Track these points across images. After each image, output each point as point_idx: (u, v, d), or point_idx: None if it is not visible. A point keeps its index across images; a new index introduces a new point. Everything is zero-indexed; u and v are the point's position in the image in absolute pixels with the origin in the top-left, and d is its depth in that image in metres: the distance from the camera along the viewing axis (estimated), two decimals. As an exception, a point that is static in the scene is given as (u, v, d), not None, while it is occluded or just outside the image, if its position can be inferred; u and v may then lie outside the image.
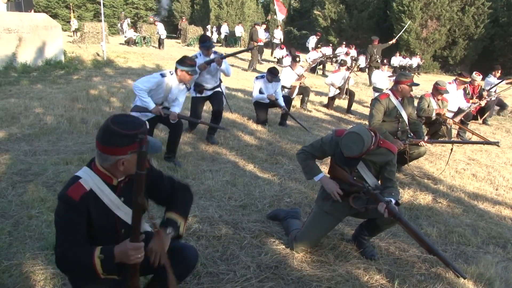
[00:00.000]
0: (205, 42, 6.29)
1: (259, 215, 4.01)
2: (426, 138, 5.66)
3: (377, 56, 15.24)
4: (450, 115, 7.31)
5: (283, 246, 3.47)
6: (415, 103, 6.10)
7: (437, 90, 6.48)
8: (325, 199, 3.42)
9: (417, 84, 5.42)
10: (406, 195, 4.93)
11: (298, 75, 9.01)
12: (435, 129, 6.60)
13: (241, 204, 4.22)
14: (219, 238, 3.50)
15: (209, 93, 6.54)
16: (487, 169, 6.35)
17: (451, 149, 5.93)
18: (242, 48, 13.47)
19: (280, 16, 19.42)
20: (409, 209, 4.52)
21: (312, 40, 21.30)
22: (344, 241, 3.66)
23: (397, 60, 21.28)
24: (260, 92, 7.67)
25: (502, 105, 10.82)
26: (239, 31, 26.60)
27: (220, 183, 4.71)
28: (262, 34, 17.41)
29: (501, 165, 6.63)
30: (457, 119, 7.33)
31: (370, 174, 3.31)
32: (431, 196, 4.98)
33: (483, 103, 8.66)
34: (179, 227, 2.24)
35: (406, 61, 20.95)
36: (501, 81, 9.79)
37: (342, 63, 10.35)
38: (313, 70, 17.32)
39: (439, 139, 6.39)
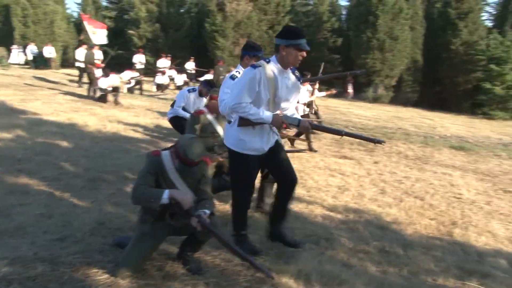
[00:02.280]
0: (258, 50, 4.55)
1: (80, 246, 3.78)
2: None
3: (224, 76, 15.59)
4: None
5: (108, 275, 3.32)
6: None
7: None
8: (143, 221, 3.39)
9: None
10: (227, 207, 5.10)
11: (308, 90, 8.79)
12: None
13: (59, 237, 3.93)
14: (34, 278, 3.20)
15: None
16: (299, 173, 6.85)
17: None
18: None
19: (101, 38, 18.16)
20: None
21: (136, 57, 20.83)
22: (170, 261, 3.64)
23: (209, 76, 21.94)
24: (184, 109, 7.06)
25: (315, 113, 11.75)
26: (48, 51, 24.96)
27: (34, 217, 4.33)
28: (99, 56, 16.27)
29: (311, 169, 7.27)
30: None
31: (187, 189, 3.39)
32: (252, 204, 5.22)
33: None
34: None
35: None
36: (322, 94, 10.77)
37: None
38: (130, 90, 17.03)
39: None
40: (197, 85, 8.50)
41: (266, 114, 3.56)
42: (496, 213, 5.86)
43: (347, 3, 33.05)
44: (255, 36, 26.51)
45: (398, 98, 26.23)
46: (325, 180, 6.64)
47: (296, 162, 7.59)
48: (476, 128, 17.10)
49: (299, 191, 6.00)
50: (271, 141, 3.85)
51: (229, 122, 4.62)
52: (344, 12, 32.83)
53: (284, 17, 27.82)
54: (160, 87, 18.79)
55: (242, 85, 3.54)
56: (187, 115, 6.88)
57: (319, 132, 7.65)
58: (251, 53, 4.58)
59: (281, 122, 3.61)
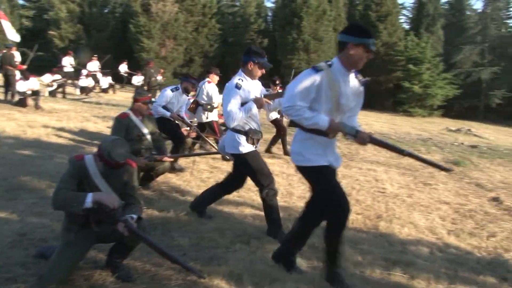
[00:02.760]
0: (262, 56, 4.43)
1: (-3, 260, 3.56)
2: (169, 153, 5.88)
3: (155, 78, 15.28)
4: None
5: (31, 289, 3.17)
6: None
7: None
8: (68, 230, 3.26)
9: (152, 102, 5.61)
10: (156, 211, 5.02)
11: None
12: (179, 143, 6.91)
13: (-26, 252, 3.69)
14: None
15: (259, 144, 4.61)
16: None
17: (194, 160, 6.29)
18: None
19: (14, 36, 17.32)
20: (161, 224, 4.61)
21: (65, 60, 19.86)
22: (99, 269, 3.52)
23: (138, 78, 21.47)
24: (165, 108, 6.74)
25: None
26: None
27: None
28: (19, 57, 15.22)
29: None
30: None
31: (113, 193, 3.30)
32: (180, 208, 5.17)
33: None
34: None
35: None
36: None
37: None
38: (52, 93, 16.30)
39: (183, 153, 6.69)
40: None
41: (323, 118, 3.20)
42: (417, 205, 6.17)
43: (272, 5, 33.57)
44: (181, 37, 26.39)
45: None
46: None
47: (225, 163, 7.60)
48: (398, 125, 17.95)
49: (229, 192, 6.02)
50: (339, 159, 3.51)
51: (226, 128, 4.52)
52: (270, 13, 33.38)
53: (211, 19, 27.91)
54: (84, 90, 18.15)
55: (296, 87, 3.22)
56: (168, 113, 6.70)
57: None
58: (256, 59, 4.36)
59: (337, 130, 3.28)
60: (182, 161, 7.30)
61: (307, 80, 3.20)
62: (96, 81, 19.69)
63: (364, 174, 7.81)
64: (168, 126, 6.73)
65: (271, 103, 4.48)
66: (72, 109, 13.48)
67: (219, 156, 7.91)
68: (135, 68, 23.31)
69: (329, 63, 3.26)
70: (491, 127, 22.45)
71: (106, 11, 30.88)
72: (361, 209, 5.80)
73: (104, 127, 10.44)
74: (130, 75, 22.63)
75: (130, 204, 3.35)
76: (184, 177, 6.54)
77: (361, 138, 3.23)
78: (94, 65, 20.25)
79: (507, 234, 5.29)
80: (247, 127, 4.36)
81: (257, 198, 5.79)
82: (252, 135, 4.36)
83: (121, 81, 23.10)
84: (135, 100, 5.35)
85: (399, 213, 5.73)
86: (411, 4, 35.95)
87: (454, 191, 7.22)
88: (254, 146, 4.43)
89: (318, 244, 4.41)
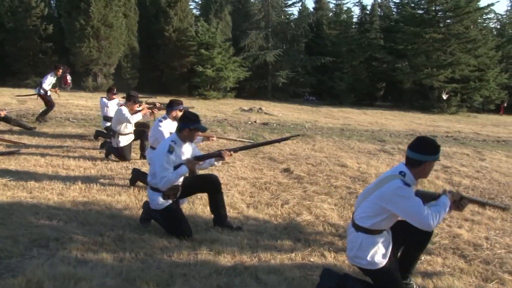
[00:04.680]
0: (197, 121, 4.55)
1: None
2: None
3: None
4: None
5: None
6: None
7: None
8: None
9: None
10: None
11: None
12: None
13: None
14: None
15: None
16: (20, 175, 6.28)
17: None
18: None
19: None
20: None
21: None
22: None
23: None
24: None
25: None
26: None
27: None
28: None
29: (31, 168, 6.72)
30: None
31: None
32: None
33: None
34: None
35: None
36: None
37: None
38: None
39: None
40: None
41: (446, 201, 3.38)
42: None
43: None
44: None
45: (119, 85, 26.30)
46: (48, 178, 6.20)
47: (13, 163, 6.93)
48: (195, 109, 18.33)
49: (19, 193, 5.51)
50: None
51: None
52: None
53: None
54: None
55: (420, 206, 3.17)
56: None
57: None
58: (192, 125, 4.46)
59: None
60: None
61: (413, 195, 3.25)
62: None
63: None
64: None
65: (202, 163, 4.60)
66: None
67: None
68: None
69: (403, 173, 3.30)
70: (279, 105, 24.52)
71: None
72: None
73: None
74: None
75: None
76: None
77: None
78: None
79: (298, 200, 5.87)
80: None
81: (52, 197, 5.44)
82: (168, 192, 4.43)
83: None
84: None
85: (200, 194, 5.85)
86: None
87: (250, 166, 7.70)
88: (171, 200, 4.50)
89: (123, 236, 4.32)
